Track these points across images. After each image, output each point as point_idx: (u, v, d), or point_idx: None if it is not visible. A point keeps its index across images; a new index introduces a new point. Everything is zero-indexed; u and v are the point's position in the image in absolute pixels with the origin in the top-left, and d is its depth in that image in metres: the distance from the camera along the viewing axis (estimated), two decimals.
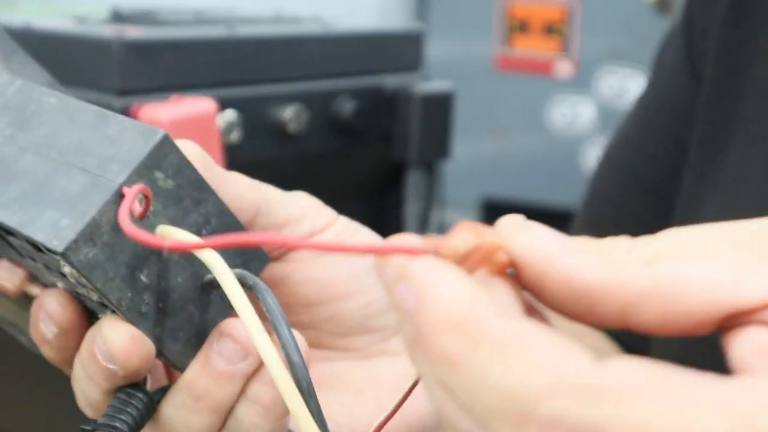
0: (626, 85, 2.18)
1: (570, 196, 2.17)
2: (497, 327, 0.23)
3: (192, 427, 0.40)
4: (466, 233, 0.26)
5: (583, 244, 0.26)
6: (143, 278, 0.38)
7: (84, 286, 0.38)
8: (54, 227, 0.36)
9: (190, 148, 0.39)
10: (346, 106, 0.83)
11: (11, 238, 0.39)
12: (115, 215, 0.36)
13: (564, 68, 2.25)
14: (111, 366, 0.38)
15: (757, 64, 0.53)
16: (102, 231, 0.36)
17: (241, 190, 0.42)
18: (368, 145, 0.86)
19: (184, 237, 0.37)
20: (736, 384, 0.22)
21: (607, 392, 0.21)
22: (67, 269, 0.37)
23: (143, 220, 0.37)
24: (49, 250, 0.36)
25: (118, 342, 0.38)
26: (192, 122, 0.71)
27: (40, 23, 0.79)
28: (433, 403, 0.25)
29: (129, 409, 0.39)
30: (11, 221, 0.37)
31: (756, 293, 0.24)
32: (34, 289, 0.42)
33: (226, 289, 0.35)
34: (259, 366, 0.40)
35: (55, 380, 0.77)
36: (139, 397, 0.40)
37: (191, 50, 0.76)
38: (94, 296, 0.38)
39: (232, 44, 0.78)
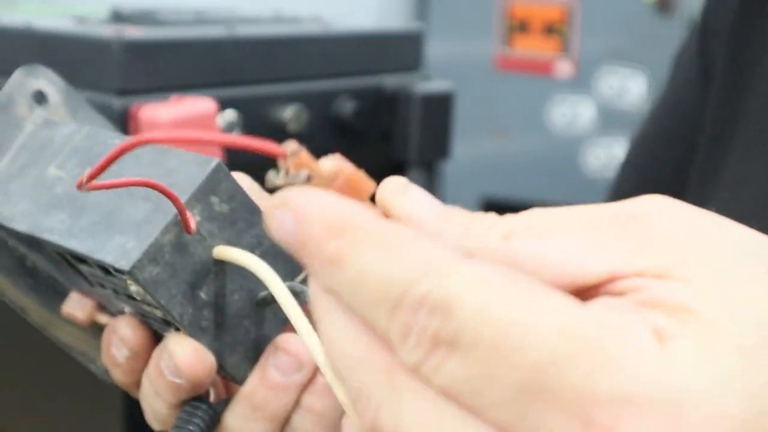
0: (626, 85, 2.18)
1: (570, 196, 2.17)
2: (375, 226, 0.25)
3: None
4: (329, 160, 0.28)
5: (454, 214, 0.28)
6: (203, 295, 0.41)
7: (149, 304, 0.41)
8: (121, 249, 0.40)
9: (241, 177, 0.42)
10: (346, 106, 0.83)
11: (83, 267, 0.43)
12: (176, 236, 0.39)
13: (564, 68, 2.25)
14: (176, 380, 0.41)
15: (763, 65, 0.53)
16: (164, 251, 0.39)
17: None
18: (368, 145, 0.86)
19: (239, 255, 0.40)
20: (585, 309, 0.23)
21: (465, 277, 0.23)
22: (133, 288, 0.40)
23: (200, 237, 0.40)
24: (117, 270, 0.39)
25: (183, 356, 0.41)
26: (192, 122, 0.71)
27: (40, 23, 0.79)
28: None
29: (195, 420, 0.43)
30: (82, 248, 0.41)
31: (599, 268, 0.25)
32: (102, 318, 0.46)
33: (277, 297, 0.38)
34: (313, 377, 0.43)
35: (56, 381, 0.77)
36: (204, 408, 0.43)
37: (191, 50, 0.76)
38: (159, 314, 0.41)
39: (232, 44, 0.78)
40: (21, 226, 0.43)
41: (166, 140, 0.30)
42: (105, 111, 0.52)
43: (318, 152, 0.30)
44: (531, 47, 2.28)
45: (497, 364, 0.22)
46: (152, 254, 0.39)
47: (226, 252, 0.40)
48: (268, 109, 0.79)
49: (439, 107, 0.88)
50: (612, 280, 0.25)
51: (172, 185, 0.40)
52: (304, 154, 0.28)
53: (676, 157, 0.60)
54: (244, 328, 0.42)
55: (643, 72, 2.14)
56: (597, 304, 0.24)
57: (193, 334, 0.41)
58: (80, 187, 0.36)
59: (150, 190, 0.39)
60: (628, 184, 0.65)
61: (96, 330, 0.47)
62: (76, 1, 1.15)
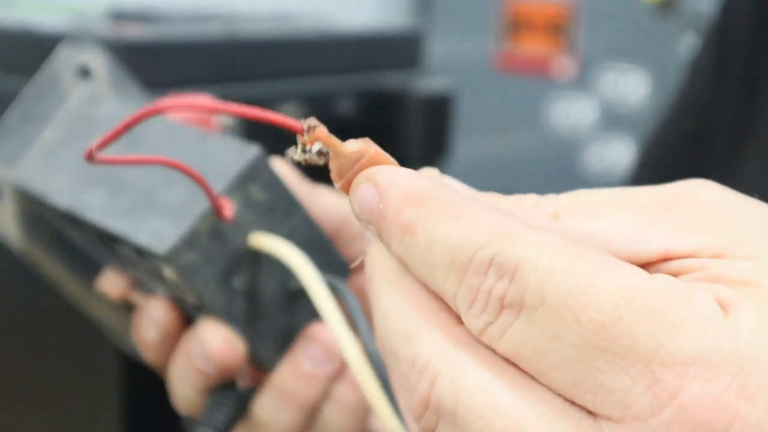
0: (629, 84, 2.18)
1: None
2: (448, 196, 0.26)
3: (281, 424, 0.43)
4: (357, 141, 0.29)
5: (493, 198, 0.28)
6: (236, 284, 0.40)
7: (181, 289, 0.40)
8: (157, 233, 0.39)
9: (280, 167, 0.42)
10: (346, 106, 0.82)
11: (117, 247, 0.42)
12: (213, 223, 0.39)
13: (566, 67, 2.24)
14: (206, 367, 0.41)
15: None
16: (201, 237, 0.39)
17: (326, 204, 0.45)
18: None
19: (273, 243, 0.40)
20: (650, 275, 0.23)
21: (532, 241, 0.24)
22: (167, 272, 0.39)
23: (237, 225, 0.40)
24: (151, 254, 0.39)
25: (214, 343, 0.41)
26: (190, 121, 0.71)
27: (37, 21, 0.79)
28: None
29: (223, 408, 0.42)
30: (118, 229, 0.40)
31: (652, 247, 0.25)
32: (135, 296, 0.46)
33: (308, 287, 0.38)
34: (343, 369, 0.43)
35: (56, 381, 0.77)
36: (231, 396, 0.43)
37: (189, 49, 0.76)
38: (191, 299, 0.41)
39: (230, 43, 0.78)
40: (60, 201, 0.43)
41: (182, 107, 0.29)
42: None
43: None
44: (533, 46, 2.27)
45: (562, 324, 0.23)
46: (189, 240, 0.39)
47: (262, 240, 0.40)
48: (266, 107, 0.78)
49: (440, 106, 0.87)
50: (665, 260, 0.25)
51: (210, 171, 0.39)
52: (321, 130, 0.28)
53: (695, 154, 0.60)
54: (276, 318, 0.42)
55: (645, 71, 2.14)
56: (660, 275, 0.24)
57: (224, 322, 0.41)
58: (88, 158, 0.34)
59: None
60: (646, 179, 0.65)
61: (128, 308, 0.47)
62: None
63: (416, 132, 0.85)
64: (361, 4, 2.08)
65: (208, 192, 0.38)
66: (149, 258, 0.40)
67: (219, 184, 0.39)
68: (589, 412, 0.23)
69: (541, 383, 0.24)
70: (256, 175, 0.40)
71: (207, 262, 0.39)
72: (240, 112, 0.29)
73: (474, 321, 0.24)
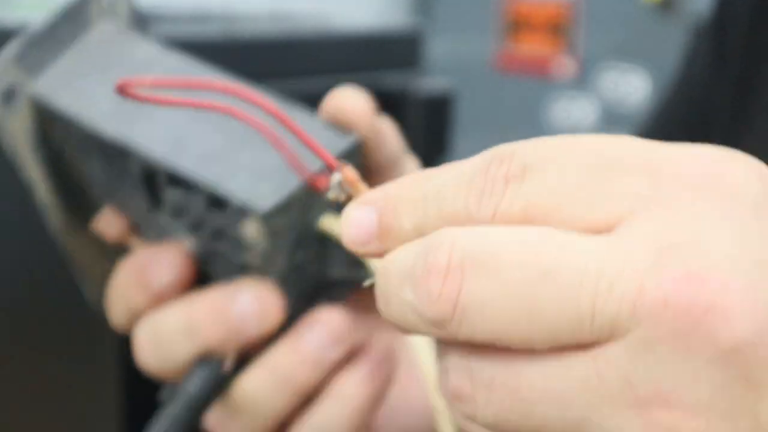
0: (629, 84, 2.18)
1: None
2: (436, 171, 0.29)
3: (269, 406, 0.40)
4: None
5: None
6: (298, 258, 0.40)
7: (244, 248, 0.39)
8: (253, 190, 0.39)
9: (360, 100, 0.45)
10: None
11: (170, 191, 0.40)
12: (306, 195, 0.39)
13: (567, 67, 2.24)
14: (249, 326, 0.39)
15: None
16: (294, 205, 0.39)
17: None
18: None
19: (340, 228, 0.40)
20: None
21: (522, 142, 0.28)
22: (252, 232, 0.39)
23: (320, 204, 0.39)
24: (245, 210, 0.38)
25: (271, 302, 0.40)
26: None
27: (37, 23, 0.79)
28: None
29: (205, 378, 0.40)
30: (201, 177, 0.39)
31: None
32: (134, 241, 0.44)
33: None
34: (349, 361, 0.41)
35: (54, 381, 0.77)
36: (214, 369, 0.40)
37: (190, 49, 0.75)
38: (257, 261, 0.40)
39: (230, 43, 0.78)
40: (108, 130, 0.41)
41: (255, 101, 0.32)
42: None
43: None
44: (533, 46, 2.27)
45: (565, 158, 0.26)
46: (286, 205, 0.38)
47: (330, 222, 0.40)
48: None
49: (440, 106, 0.87)
50: None
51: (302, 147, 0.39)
52: (349, 171, 0.30)
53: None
54: (307, 301, 0.41)
55: (645, 71, 2.14)
56: None
57: (276, 288, 0.40)
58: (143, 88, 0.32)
59: (275, 144, 0.39)
60: None
61: (113, 252, 0.45)
62: None
63: (416, 132, 0.85)
64: (361, 4, 2.08)
65: (328, 161, 0.37)
66: (228, 213, 0.39)
67: (316, 160, 0.38)
68: (601, 231, 0.26)
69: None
70: (351, 160, 0.39)
71: (290, 229, 0.39)
72: (290, 125, 0.30)
73: (485, 210, 0.27)
